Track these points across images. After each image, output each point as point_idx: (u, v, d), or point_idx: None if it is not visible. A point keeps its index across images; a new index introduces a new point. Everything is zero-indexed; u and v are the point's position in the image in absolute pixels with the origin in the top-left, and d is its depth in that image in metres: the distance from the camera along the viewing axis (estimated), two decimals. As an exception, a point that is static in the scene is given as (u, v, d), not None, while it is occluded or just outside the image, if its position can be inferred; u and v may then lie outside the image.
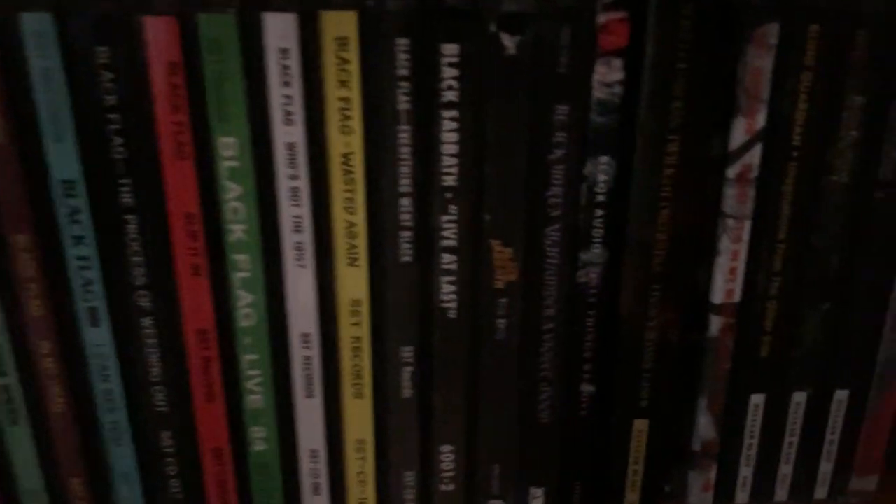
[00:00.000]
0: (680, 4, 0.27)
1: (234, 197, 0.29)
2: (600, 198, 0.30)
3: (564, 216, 0.30)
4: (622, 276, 0.31)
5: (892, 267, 0.33)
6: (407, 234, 0.30)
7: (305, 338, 0.31)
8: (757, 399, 0.34)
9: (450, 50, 0.28)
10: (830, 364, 0.34)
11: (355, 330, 0.31)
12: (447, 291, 0.31)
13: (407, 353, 0.32)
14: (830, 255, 0.32)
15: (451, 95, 0.28)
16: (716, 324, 0.33)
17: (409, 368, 0.32)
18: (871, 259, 0.32)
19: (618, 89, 0.28)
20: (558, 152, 0.29)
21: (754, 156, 0.30)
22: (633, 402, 0.34)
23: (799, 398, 0.35)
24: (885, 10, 0.29)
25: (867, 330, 0.34)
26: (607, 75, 0.28)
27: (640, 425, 0.34)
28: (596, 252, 0.31)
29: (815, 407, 0.35)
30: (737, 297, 0.32)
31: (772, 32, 0.28)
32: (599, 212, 0.30)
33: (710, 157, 0.30)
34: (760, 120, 0.30)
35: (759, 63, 0.29)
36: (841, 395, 0.35)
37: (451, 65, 0.28)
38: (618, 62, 0.28)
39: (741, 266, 0.32)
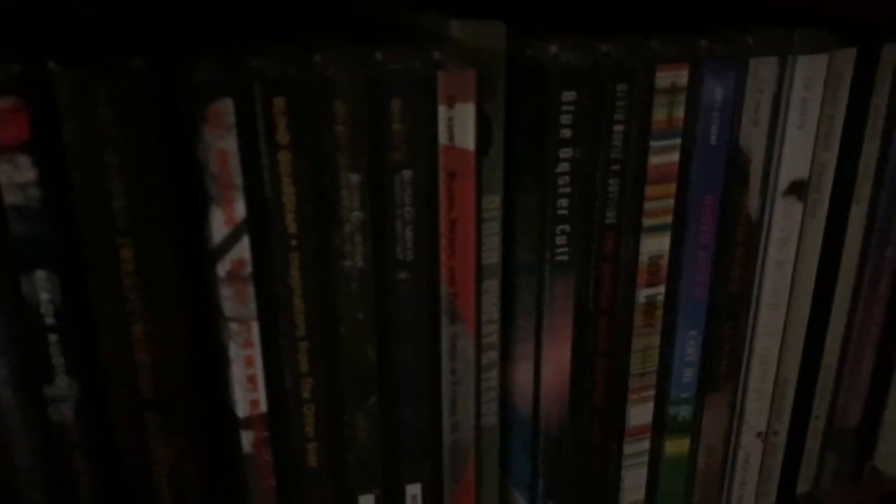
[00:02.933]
0: (95, 87, 0.22)
1: None
2: (50, 320, 0.24)
3: (7, 347, 0.24)
4: (109, 408, 0.26)
5: (432, 348, 0.30)
6: None
7: None
8: (319, 512, 0.30)
9: None
10: (393, 460, 0.31)
11: None
12: None
13: None
14: (364, 345, 0.29)
15: None
16: (247, 439, 0.28)
17: None
18: (407, 344, 0.29)
19: (35, 191, 0.23)
20: (-25, 273, 0.23)
21: (244, 249, 0.26)
22: (160, 548, 0.28)
23: (367, 501, 0.31)
24: (357, 80, 0.26)
25: (422, 418, 0.31)
26: (15, 175, 0.23)
27: (175, 572, 0.29)
28: (63, 384, 0.25)
29: (390, 507, 0.32)
30: (264, 407, 0.28)
31: (226, 110, 0.24)
32: (54, 337, 0.25)
33: (193, 255, 0.26)
34: (240, 209, 0.25)
35: (222, 145, 0.25)
36: (414, 490, 0.32)
37: None
38: (25, 159, 0.23)
39: (260, 372, 0.28)
